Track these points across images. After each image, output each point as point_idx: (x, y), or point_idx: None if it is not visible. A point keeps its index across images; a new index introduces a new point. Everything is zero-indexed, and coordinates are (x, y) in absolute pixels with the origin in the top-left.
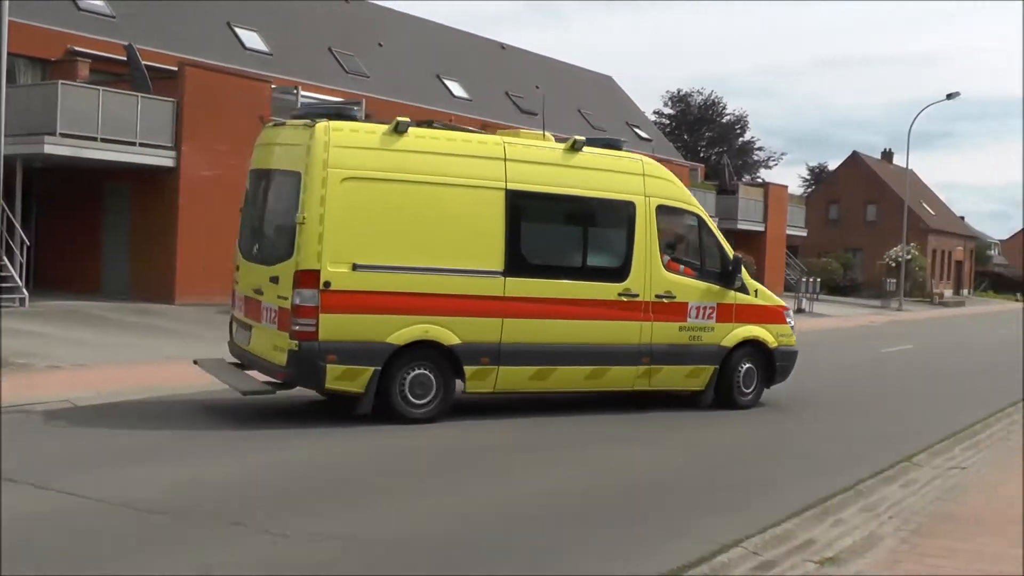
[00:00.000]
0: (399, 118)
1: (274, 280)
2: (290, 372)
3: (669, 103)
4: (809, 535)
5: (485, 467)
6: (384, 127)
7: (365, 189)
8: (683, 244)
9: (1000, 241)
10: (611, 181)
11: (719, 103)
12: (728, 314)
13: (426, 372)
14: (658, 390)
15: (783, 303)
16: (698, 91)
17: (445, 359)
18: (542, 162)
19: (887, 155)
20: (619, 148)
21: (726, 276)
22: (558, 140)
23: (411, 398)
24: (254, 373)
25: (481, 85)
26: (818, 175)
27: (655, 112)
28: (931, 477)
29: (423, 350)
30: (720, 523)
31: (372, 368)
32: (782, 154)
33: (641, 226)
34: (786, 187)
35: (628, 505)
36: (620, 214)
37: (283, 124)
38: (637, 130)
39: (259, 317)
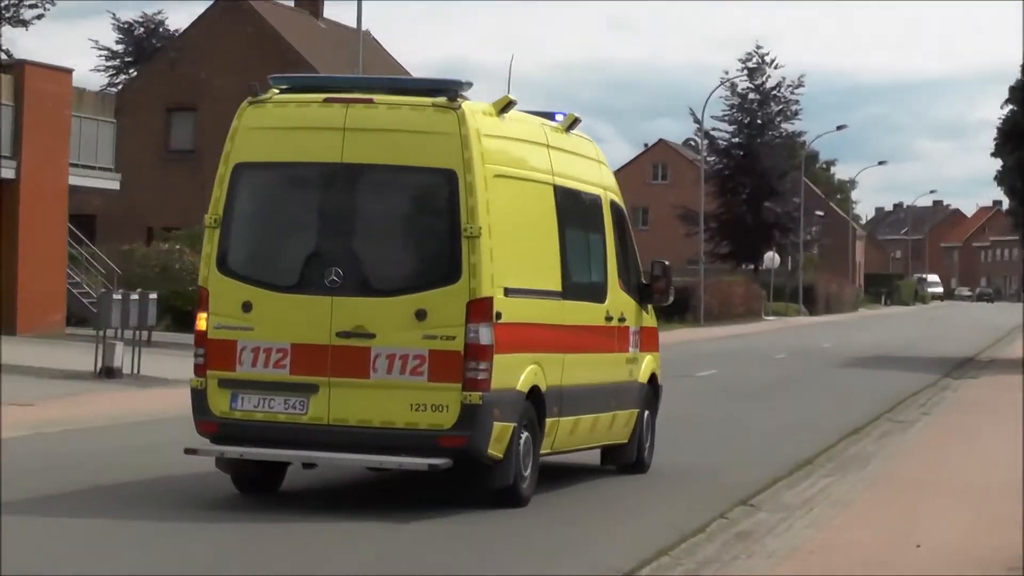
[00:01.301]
0: (509, 96)
1: (420, 315)
2: (468, 435)
3: None
4: None
5: None
6: (487, 106)
7: (505, 189)
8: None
9: None
10: (590, 171)
11: None
12: (646, 340)
13: (527, 431)
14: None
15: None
16: None
17: (536, 410)
18: (562, 148)
19: None
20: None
21: (649, 290)
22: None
23: (521, 468)
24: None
25: None
26: (139, 42)
27: None
28: None
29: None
30: None
31: (512, 424)
32: None
33: (608, 230)
34: (68, 71)
35: None
36: (600, 215)
37: (311, 103)
38: None
39: (360, 371)
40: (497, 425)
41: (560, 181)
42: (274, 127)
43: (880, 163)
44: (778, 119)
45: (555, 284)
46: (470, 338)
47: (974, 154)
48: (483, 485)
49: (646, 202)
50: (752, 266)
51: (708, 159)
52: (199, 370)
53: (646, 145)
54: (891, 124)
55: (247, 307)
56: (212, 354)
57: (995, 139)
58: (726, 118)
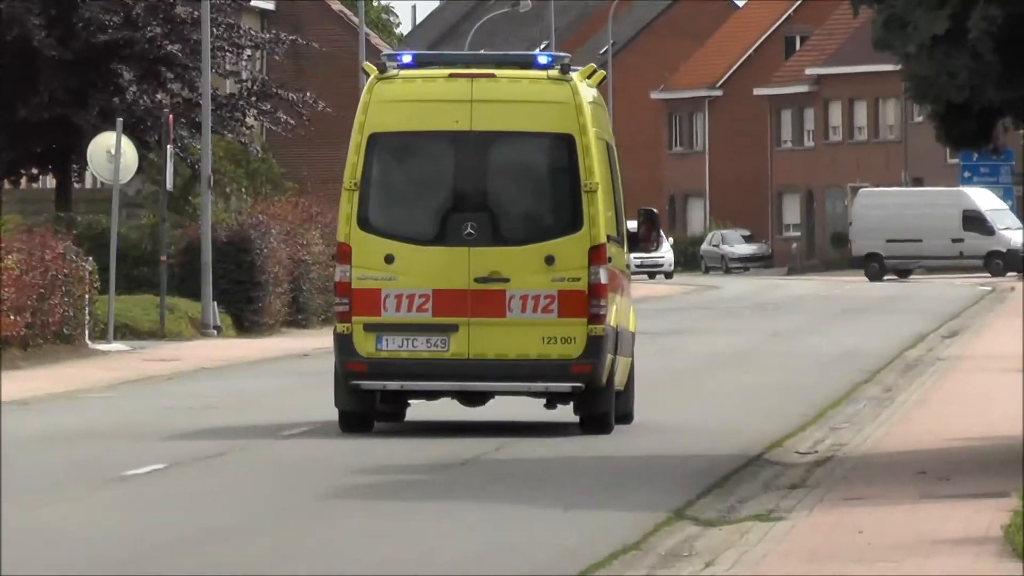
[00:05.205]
0: (593, 66)
1: (549, 260)
2: (592, 363)
3: None
4: None
5: None
6: (580, 76)
7: (598, 148)
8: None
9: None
10: (606, 120)
11: None
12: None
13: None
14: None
15: None
16: None
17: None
18: (597, 102)
19: None
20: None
21: (636, 238)
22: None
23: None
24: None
25: None
26: None
27: None
28: None
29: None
30: None
31: (612, 356)
32: None
33: (619, 177)
34: None
35: None
36: (616, 163)
37: (438, 77)
38: None
39: (496, 311)
40: (609, 358)
41: (605, 136)
42: (404, 100)
43: None
44: None
45: (614, 230)
46: (592, 279)
47: None
48: (587, 409)
49: None
50: (54, 183)
51: None
52: (343, 316)
53: None
54: None
55: (389, 259)
56: (357, 302)
57: None
58: None
